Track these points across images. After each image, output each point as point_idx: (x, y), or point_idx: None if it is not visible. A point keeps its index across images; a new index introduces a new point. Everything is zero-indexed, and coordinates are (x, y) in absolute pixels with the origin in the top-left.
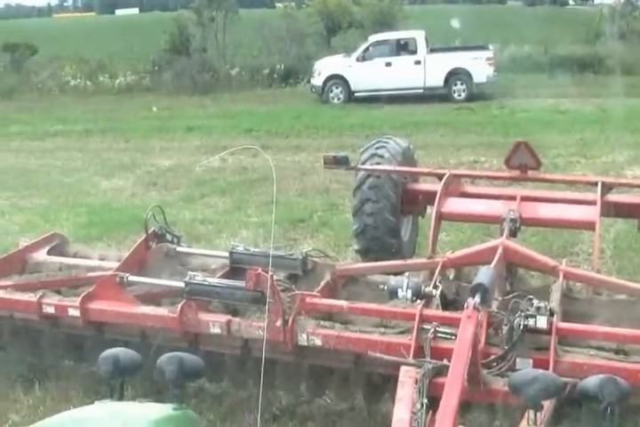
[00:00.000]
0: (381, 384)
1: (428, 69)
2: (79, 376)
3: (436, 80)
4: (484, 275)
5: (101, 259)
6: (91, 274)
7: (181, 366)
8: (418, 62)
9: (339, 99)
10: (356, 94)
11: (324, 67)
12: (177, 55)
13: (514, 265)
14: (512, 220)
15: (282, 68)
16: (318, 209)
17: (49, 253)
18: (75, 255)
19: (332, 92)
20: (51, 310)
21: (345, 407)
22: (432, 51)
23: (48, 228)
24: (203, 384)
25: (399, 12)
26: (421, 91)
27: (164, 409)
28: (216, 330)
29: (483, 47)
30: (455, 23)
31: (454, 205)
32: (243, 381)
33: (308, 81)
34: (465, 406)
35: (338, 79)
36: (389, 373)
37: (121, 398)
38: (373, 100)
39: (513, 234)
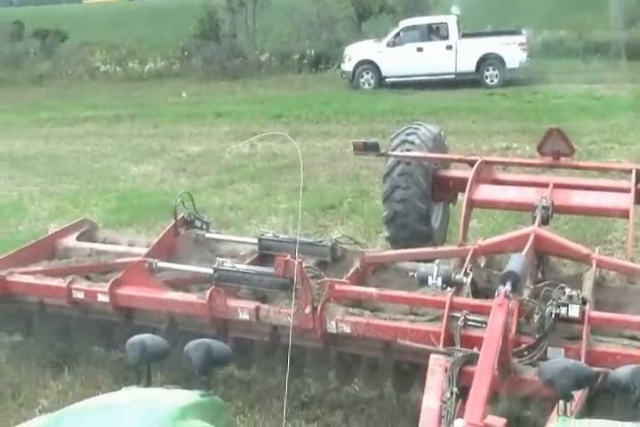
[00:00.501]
0: (410, 372)
1: (460, 55)
2: (108, 362)
3: (468, 65)
4: (515, 262)
5: (130, 245)
6: (120, 260)
7: (209, 353)
8: (449, 47)
9: (369, 84)
10: (386, 80)
11: (355, 52)
12: (206, 41)
13: (545, 253)
14: (544, 207)
15: (312, 54)
16: (348, 195)
17: (78, 238)
18: (104, 241)
19: (362, 77)
20: (80, 295)
21: (374, 395)
22: (464, 36)
23: (77, 213)
24: (231, 371)
25: None
26: (453, 76)
27: (192, 396)
28: (245, 316)
29: (515, 32)
30: (455, 10)
31: (486, 192)
32: (271, 368)
33: (339, 66)
34: (495, 396)
35: (368, 64)
36: (419, 361)
37: (148, 384)
38: (404, 85)
39: (545, 222)
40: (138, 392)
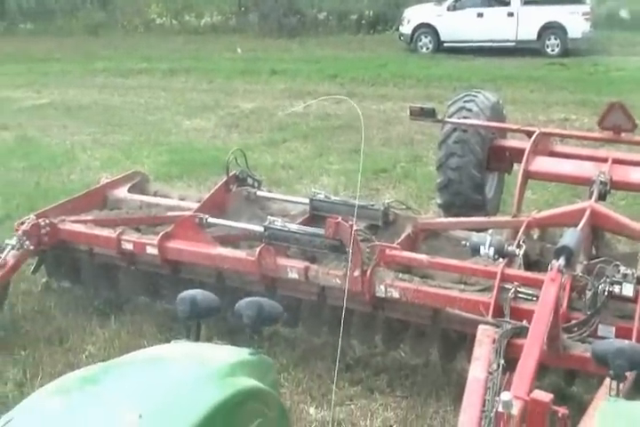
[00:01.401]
0: (457, 342)
1: (521, 22)
2: (154, 313)
3: (529, 33)
4: (570, 237)
5: (181, 199)
6: (170, 213)
7: (260, 312)
8: (511, 14)
9: (427, 48)
10: (445, 44)
11: (414, 15)
12: None
13: (601, 229)
14: (602, 182)
15: (370, 15)
16: (402, 160)
17: (129, 190)
18: (155, 194)
19: (420, 41)
20: (129, 246)
21: (419, 362)
22: (526, 3)
23: (129, 165)
24: (277, 328)
25: None
26: (513, 44)
27: (241, 353)
28: (294, 275)
29: (580, 1)
30: None
31: (542, 163)
32: (317, 328)
33: (397, 29)
34: (541, 370)
35: (427, 28)
36: (466, 330)
37: (197, 339)
38: (463, 51)
39: (602, 197)
40: (187, 347)
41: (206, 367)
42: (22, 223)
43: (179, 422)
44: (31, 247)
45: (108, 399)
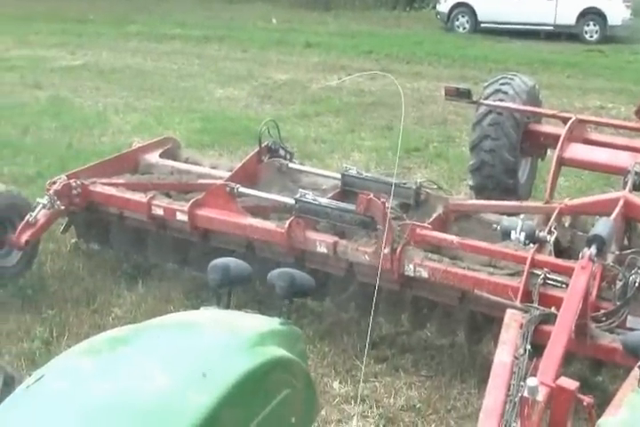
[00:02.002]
0: (484, 324)
1: (560, 6)
2: (181, 280)
3: (568, 18)
4: (602, 226)
5: (212, 167)
6: (201, 181)
7: (292, 283)
8: None
9: (464, 28)
10: (482, 25)
11: None
12: None
13: (634, 220)
14: (637, 173)
15: None
16: (434, 139)
17: (161, 155)
18: (186, 161)
19: (457, 20)
20: (159, 211)
21: (445, 343)
22: None
23: (160, 130)
24: (305, 301)
25: None
26: (551, 28)
27: (271, 322)
28: (322, 249)
29: None
30: None
31: (577, 151)
32: (345, 303)
33: (434, 7)
34: (567, 358)
35: (465, 8)
36: (493, 314)
37: (227, 306)
38: (500, 32)
39: (637, 188)
40: (217, 313)
41: (236, 335)
42: (54, 183)
43: (208, 388)
44: (62, 207)
45: (138, 361)
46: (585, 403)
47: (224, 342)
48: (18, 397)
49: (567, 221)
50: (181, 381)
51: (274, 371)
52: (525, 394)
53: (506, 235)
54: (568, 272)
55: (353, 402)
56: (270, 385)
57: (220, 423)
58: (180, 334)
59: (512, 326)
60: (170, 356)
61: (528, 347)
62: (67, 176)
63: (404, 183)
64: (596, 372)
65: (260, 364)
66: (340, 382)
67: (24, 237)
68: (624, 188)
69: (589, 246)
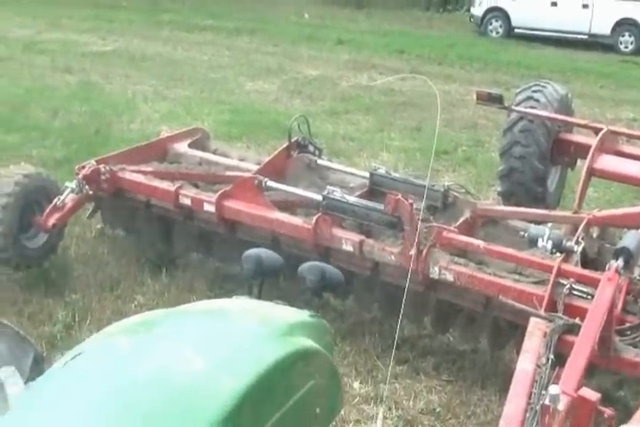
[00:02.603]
0: (507, 331)
1: (596, 15)
2: (205, 270)
3: (603, 28)
4: (630, 239)
5: (241, 159)
6: (229, 173)
7: (322, 276)
8: (585, 6)
9: (497, 32)
10: (515, 30)
11: None
12: None
13: None
14: None
15: None
16: (463, 143)
17: (190, 145)
18: (214, 152)
19: (491, 24)
20: (187, 201)
21: (467, 349)
22: None
23: (189, 120)
24: (327, 299)
25: None
26: (585, 37)
27: (300, 314)
28: (348, 247)
29: None
30: None
31: (608, 162)
32: (368, 302)
33: (468, 9)
34: (590, 370)
35: (499, 12)
36: (517, 321)
37: (259, 297)
38: (533, 38)
39: None
40: (249, 303)
41: (267, 324)
42: (83, 167)
43: (241, 373)
44: (90, 192)
45: (173, 343)
46: (606, 415)
47: (255, 330)
48: (56, 372)
49: (595, 232)
50: (215, 364)
51: (302, 361)
52: (547, 402)
53: (533, 242)
54: (594, 284)
55: (373, 403)
56: (298, 375)
57: (249, 408)
58: (212, 320)
59: (536, 334)
60: (203, 340)
61: (551, 356)
62: (96, 161)
63: (432, 186)
64: (618, 386)
65: (288, 353)
66: (361, 383)
67: (51, 220)
68: None
69: (616, 259)
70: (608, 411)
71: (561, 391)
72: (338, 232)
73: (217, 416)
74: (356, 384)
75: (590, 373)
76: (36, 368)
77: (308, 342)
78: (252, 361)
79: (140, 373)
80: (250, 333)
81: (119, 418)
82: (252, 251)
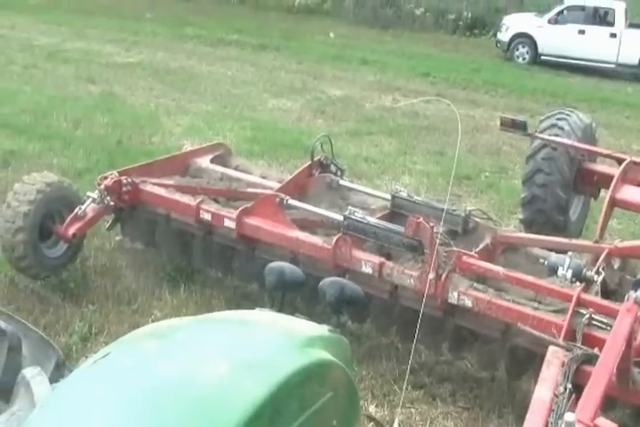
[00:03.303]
0: (526, 360)
1: (624, 45)
2: (224, 288)
3: (631, 57)
4: None
5: (262, 177)
6: (251, 189)
7: (342, 292)
8: (613, 35)
9: (523, 59)
10: (542, 57)
11: (514, 23)
12: None
13: None
14: None
15: (468, 17)
16: (487, 169)
17: (212, 161)
18: (236, 168)
19: (517, 50)
20: (207, 216)
21: (485, 376)
22: (631, 25)
23: (211, 135)
24: (345, 321)
25: None
26: (613, 66)
27: (320, 328)
28: (368, 270)
29: None
30: None
31: (630, 193)
32: (386, 326)
33: (494, 34)
34: (608, 403)
35: (525, 38)
36: (535, 350)
37: (280, 310)
38: (560, 66)
39: None
40: (271, 315)
41: (288, 335)
42: (105, 178)
43: (263, 380)
44: (111, 203)
45: (199, 348)
46: None
47: (275, 339)
48: (85, 371)
49: (616, 263)
50: (238, 369)
51: (320, 372)
52: None
53: (553, 271)
54: (613, 314)
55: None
56: (316, 386)
57: (270, 414)
58: (236, 329)
59: (554, 363)
60: (226, 346)
61: (569, 386)
62: (118, 173)
63: (454, 210)
64: (637, 420)
65: (307, 364)
66: (377, 406)
67: (71, 230)
68: None
69: (636, 290)
70: None
71: (577, 420)
72: (358, 253)
73: (239, 420)
74: (372, 408)
75: (610, 405)
76: (57, 373)
77: (327, 355)
78: (273, 369)
79: (164, 374)
80: (271, 342)
81: (143, 418)
82: (275, 264)
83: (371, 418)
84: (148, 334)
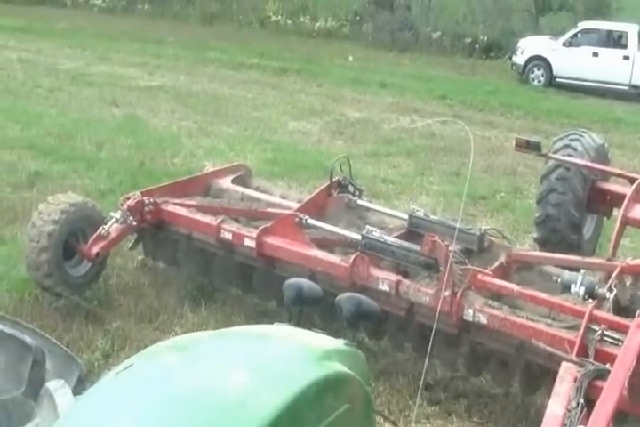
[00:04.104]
0: (540, 376)
1: (637, 66)
2: (244, 306)
3: None
4: None
5: (282, 197)
6: (270, 209)
7: (359, 307)
8: (626, 58)
9: (539, 81)
10: (557, 79)
11: (529, 46)
12: (380, 9)
13: None
14: None
15: (485, 40)
16: (502, 190)
17: (233, 181)
18: (256, 189)
19: (532, 73)
20: (228, 236)
21: (499, 392)
22: None
23: (232, 157)
24: (362, 338)
25: (615, 1)
26: (626, 88)
27: (337, 343)
28: (384, 287)
29: None
30: None
31: None
32: (402, 343)
33: (510, 57)
34: (621, 418)
35: (540, 61)
36: (549, 366)
37: (297, 324)
38: (574, 88)
39: None
40: (290, 329)
41: (305, 349)
42: (128, 198)
43: (280, 391)
44: (134, 223)
45: (219, 360)
46: None
47: (293, 352)
48: (107, 382)
49: (629, 280)
50: (256, 380)
51: (337, 384)
52: None
53: (566, 288)
54: (625, 330)
55: None
56: (332, 397)
57: (288, 425)
58: (255, 342)
59: (566, 378)
60: (245, 358)
61: (581, 401)
62: (141, 193)
63: (469, 229)
64: None
65: (324, 376)
66: (393, 422)
67: (95, 249)
68: None
69: None
70: None
71: None
72: (375, 272)
73: None
74: (388, 423)
75: (622, 420)
76: (80, 386)
77: (343, 368)
78: (290, 380)
79: (185, 386)
80: (288, 354)
81: None
82: (294, 280)
83: (385, 417)
84: (169, 347)
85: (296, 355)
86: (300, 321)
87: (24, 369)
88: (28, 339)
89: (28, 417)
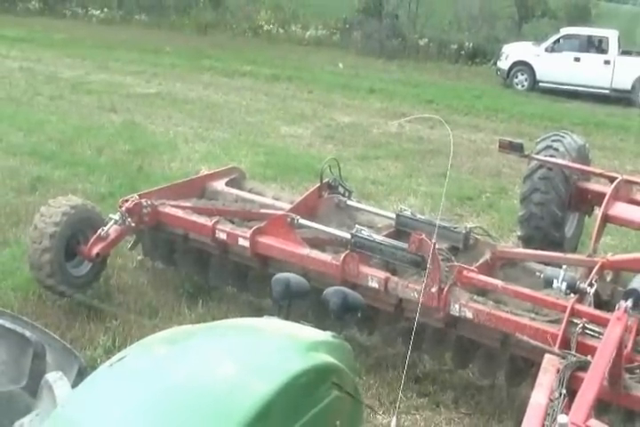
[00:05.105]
0: (524, 368)
1: (617, 71)
2: (239, 302)
3: (624, 83)
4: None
5: (275, 198)
6: (264, 210)
7: (345, 300)
8: (607, 62)
9: (522, 86)
10: (540, 84)
11: (513, 51)
12: (369, 17)
13: None
14: None
15: (470, 46)
16: (487, 190)
17: (227, 184)
18: (250, 191)
19: (516, 77)
20: (223, 236)
21: (485, 384)
22: (623, 53)
23: (226, 161)
24: (354, 334)
25: (595, 7)
26: (607, 91)
27: (324, 335)
28: (374, 284)
29: None
30: None
31: (622, 209)
32: (392, 338)
33: (494, 63)
34: (601, 409)
35: (524, 66)
36: (532, 358)
37: (286, 317)
38: (557, 92)
39: None
40: (277, 322)
41: (293, 340)
42: (126, 201)
43: (268, 380)
44: (132, 224)
45: (208, 351)
46: None
47: (281, 343)
48: (102, 373)
49: (609, 276)
50: (245, 369)
51: (324, 374)
52: None
53: (548, 283)
54: (605, 323)
55: None
56: (320, 387)
57: (276, 412)
58: (244, 334)
59: (549, 370)
60: (235, 349)
61: (563, 391)
62: (139, 195)
63: (455, 227)
64: (629, 424)
65: (312, 366)
66: (384, 413)
67: (95, 250)
68: None
69: (626, 299)
70: None
71: (570, 422)
72: (365, 269)
73: (246, 418)
74: (380, 415)
75: (602, 410)
76: (80, 379)
77: (330, 359)
78: (278, 370)
79: (175, 376)
80: (277, 346)
81: (155, 417)
82: (282, 275)
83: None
84: (161, 339)
85: (284, 346)
86: (289, 314)
87: (25, 363)
88: (27, 333)
89: (28, 409)
